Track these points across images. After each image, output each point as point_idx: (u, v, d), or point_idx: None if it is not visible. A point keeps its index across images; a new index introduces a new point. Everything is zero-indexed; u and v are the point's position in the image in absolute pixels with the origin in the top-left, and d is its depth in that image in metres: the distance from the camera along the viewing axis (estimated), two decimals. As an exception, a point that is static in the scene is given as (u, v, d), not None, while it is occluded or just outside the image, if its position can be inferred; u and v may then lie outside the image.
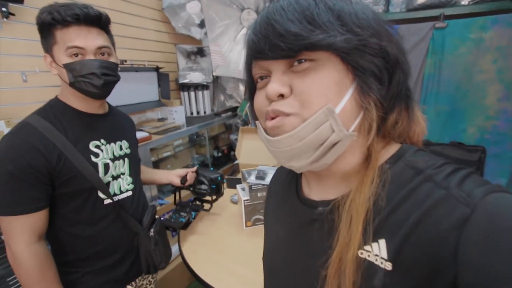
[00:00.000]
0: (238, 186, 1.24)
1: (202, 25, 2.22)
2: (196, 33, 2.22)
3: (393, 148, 0.35)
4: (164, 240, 0.94)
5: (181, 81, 2.17)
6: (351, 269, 0.30)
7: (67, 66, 0.68)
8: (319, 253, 0.35)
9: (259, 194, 1.12)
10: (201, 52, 2.25)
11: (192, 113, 2.28)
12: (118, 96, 1.66)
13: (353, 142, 0.32)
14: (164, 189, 2.19)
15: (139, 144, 1.57)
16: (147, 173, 1.08)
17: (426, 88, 1.57)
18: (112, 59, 0.75)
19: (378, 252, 0.29)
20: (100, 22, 0.71)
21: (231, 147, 2.74)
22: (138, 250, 0.87)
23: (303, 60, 0.30)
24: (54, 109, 0.74)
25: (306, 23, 0.29)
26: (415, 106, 0.37)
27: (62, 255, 0.77)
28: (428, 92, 1.57)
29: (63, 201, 0.74)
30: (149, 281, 0.99)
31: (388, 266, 0.28)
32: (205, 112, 2.33)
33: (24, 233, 0.66)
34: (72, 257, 0.77)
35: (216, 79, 2.37)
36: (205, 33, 2.16)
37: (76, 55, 0.68)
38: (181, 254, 1.04)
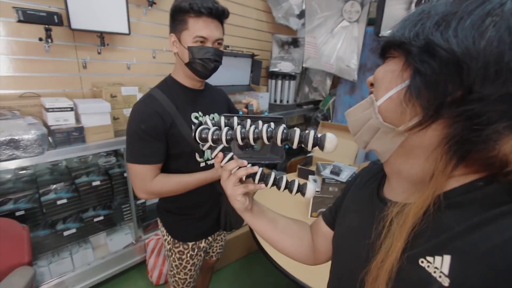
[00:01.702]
0: (310, 177, 1.28)
1: (300, 16, 2.25)
2: (294, 23, 2.27)
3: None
4: None
5: (272, 69, 2.28)
6: (384, 280, 0.32)
7: (190, 49, 0.83)
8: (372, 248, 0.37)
9: (330, 189, 1.13)
10: (295, 42, 2.30)
11: (275, 101, 2.39)
12: (217, 77, 1.88)
13: (416, 147, 0.33)
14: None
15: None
16: None
17: None
18: (221, 48, 0.89)
19: (439, 266, 0.29)
20: (223, 16, 0.86)
21: (306, 139, 2.75)
22: (220, 209, 1.02)
23: (388, 56, 0.36)
24: (169, 84, 0.91)
25: (404, 28, 0.32)
26: None
27: (169, 203, 0.99)
28: None
29: (170, 161, 0.91)
30: (221, 238, 1.16)
31: (446, 282, 0.28)
32: (287, 102, 2.40)
33: (150, 175, 0.85)
34: (175, 205, 0.98)
35: (304, 70, 2.38)
36: (302, 24, 2.18)
37: (200, 42, 0.84)
38: (249, 223, 1.16)
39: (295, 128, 0.42)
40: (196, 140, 0.47)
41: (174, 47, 0.87)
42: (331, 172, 1.15)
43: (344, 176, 1.12)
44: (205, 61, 0.84)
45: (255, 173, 0.50)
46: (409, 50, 0.31)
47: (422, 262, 0.31)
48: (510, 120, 0.26)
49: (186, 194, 0.91)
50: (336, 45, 2.02)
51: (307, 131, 0.42)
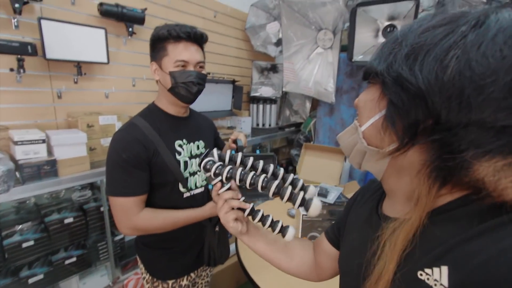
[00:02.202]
0: (298, 199, 1.26)
1: (277, 43, 2.37)
2: (272, 51, 2.38)
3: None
4: (226, 238, 1.01)
5: (253, 94, 2.33)
6: None
7: (172, 73, 0.82)
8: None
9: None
10: (274, 68, 2.39)
11: (258, 125, 2.41)
12: (199, 103, 1.88)
13: (404, 167, 0.35)
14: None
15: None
16: None
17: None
18: (203, 72, 0.89)
19: (438, 277, 0.29)
20: (201, 40, 0.87)
21: (290, 161, 2.76)
22: (203, 243, 0.96)
23: (369, 82, 0.38)
24: (152, 112, 0.88)
25: (378, 53, 0.36)
26: None
27: (147, 236, 0.91)
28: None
29: (153, 191, 0.86)
30: (207, 273, 1.08)
31: None
32: (270, 125, 2.43)
33: (135, 209, 0.79)
34: (154, 238, 0.91)
35: (284, 94, 2.46)
36: (280, 51, 2.29)
37: (182, 66, 0.83)
38: (237, 253, 1.10)
39: (288, 186, 0.49)
40: (201, 168, 0.53)
41: (156, 75, 0.86)
42: (319, 194, 1.14)
43: (331, 198, 1.11)
44: (188, 85, 0.83)
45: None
46: (384, 81, 0.33)
47: (421, 275, 0.31)
48: (477, 149, 0.27)
49: None
50: (313, 70, 2.11)
51: (296, 191, 0.49)
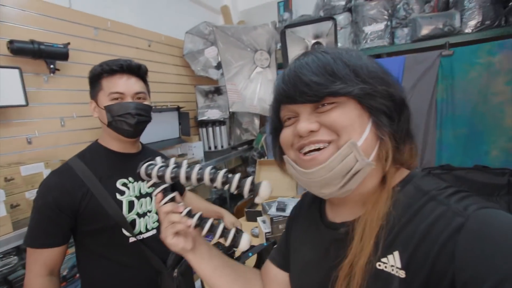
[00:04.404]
0: (258, 218, 1.25)
1: (218, 67, 2.41)
2: (213, 74, 2.41)
3: (403, 173, 0.40)
4: (188, 283, 0.91)
5: (200, 118, 2.30)
6: (360, 276, 0.34)
7: (107, 108, 0.78)
8: (337, 265, 0.38)
9: (280, 226, 1.12)
10: (218, 91, 2.41)
11: (210, 148, 2.37)
12: (144, 135, 1.77)
13: (372, 169, 0.37)
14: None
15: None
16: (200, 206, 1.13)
17: (441, 112, 1.57)
18: (146, 103, 0.86)
19: (393, 262, 0.34)
20: (139, 71, 0.85)
21: (249, 179, 2.76)
22: None
23: (325, 104, 0.37)
24: (92, 151, 0.84)
25: (327, 75, 0.36)
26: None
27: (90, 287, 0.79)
28: (443, 116, 1.57)
29: (90, 239, 0.78)
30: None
31: (402, 274, 0.33)
32: (222, 147, 2.42)
33: (36, 265, 0.72)
34: None
35: (232, 114, 2.49)
36: (221, 74, 2.33)
37: (117, 99, 0.79)
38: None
39: (237, 174, 0.45)
40: (141, 176, 0.49)
41: (95, 112, 0.82)
42: (277, 209, 1.14)
43: (290, 211, 1.13)
44: (126, 117, 0.78)
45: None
46: (365, 98, 0.36)
47: (379, 265, 0.35)
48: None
49: (113, 276, 0.77)
50: (255, 89, 2.20)
51: (245, 178, 0.45)
